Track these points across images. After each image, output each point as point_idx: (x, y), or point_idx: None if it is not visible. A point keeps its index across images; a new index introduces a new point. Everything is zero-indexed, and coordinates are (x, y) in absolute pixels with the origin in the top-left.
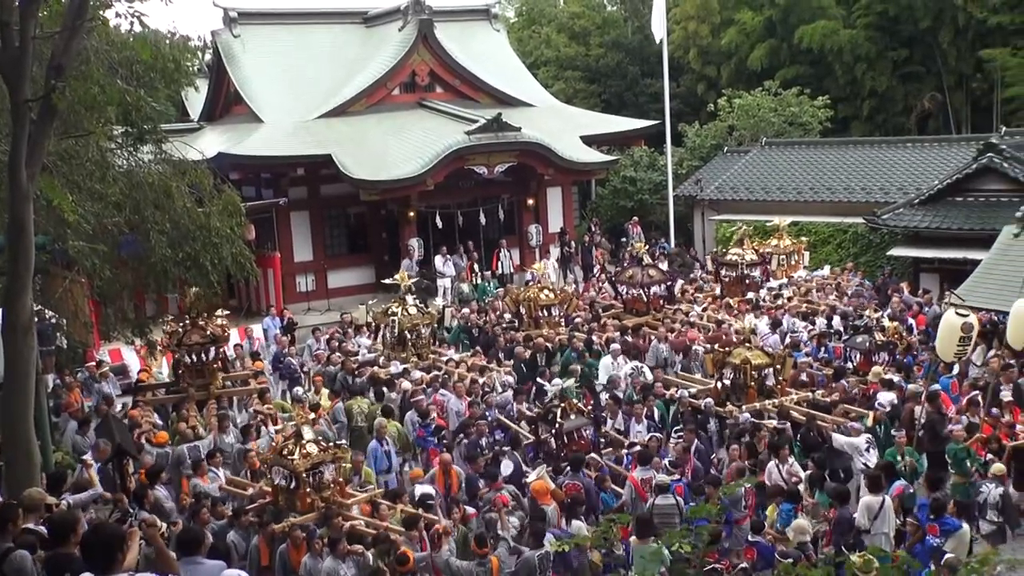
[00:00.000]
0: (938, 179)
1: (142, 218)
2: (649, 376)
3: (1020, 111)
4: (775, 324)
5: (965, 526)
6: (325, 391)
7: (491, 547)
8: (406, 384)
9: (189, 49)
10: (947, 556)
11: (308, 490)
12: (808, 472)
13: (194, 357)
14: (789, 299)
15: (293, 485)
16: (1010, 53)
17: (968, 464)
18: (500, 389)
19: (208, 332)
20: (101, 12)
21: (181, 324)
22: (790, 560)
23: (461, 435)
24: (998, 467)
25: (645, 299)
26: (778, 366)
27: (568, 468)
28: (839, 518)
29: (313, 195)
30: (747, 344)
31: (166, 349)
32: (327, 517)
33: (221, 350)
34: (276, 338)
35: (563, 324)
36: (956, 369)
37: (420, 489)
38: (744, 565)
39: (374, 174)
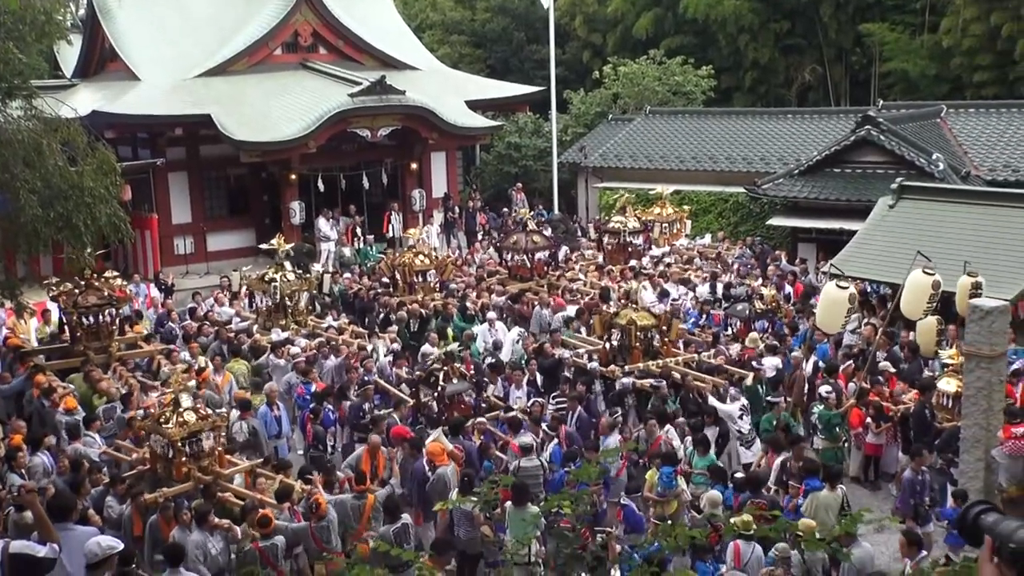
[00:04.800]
0: (817, 150)
1: (12, 176)
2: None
3: (897, 85)
4: (662, 293)
5: (827, 490)
6: (243, 365)
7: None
8: (295, 349)
9: (61, 1)
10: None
11: (184, 459)
12: (687, 437)
13: (91, 319)
14: (668, 266)
15: (170, 454)
16: (888, 28)
17: (838, 430)
18: (383, 356)
19: (106, 293)
20: None
21: (76, 285)
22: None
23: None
24: (825, 388)
25: (529, 265)
26: (664, 327)
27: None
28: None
29: (192, 156)
30: (632, 306)
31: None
32: (206, 491)
33: (119, 312)
34: (158, 302)
35: (439, 290)
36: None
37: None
38: (611, 530)
39: (255, 135)
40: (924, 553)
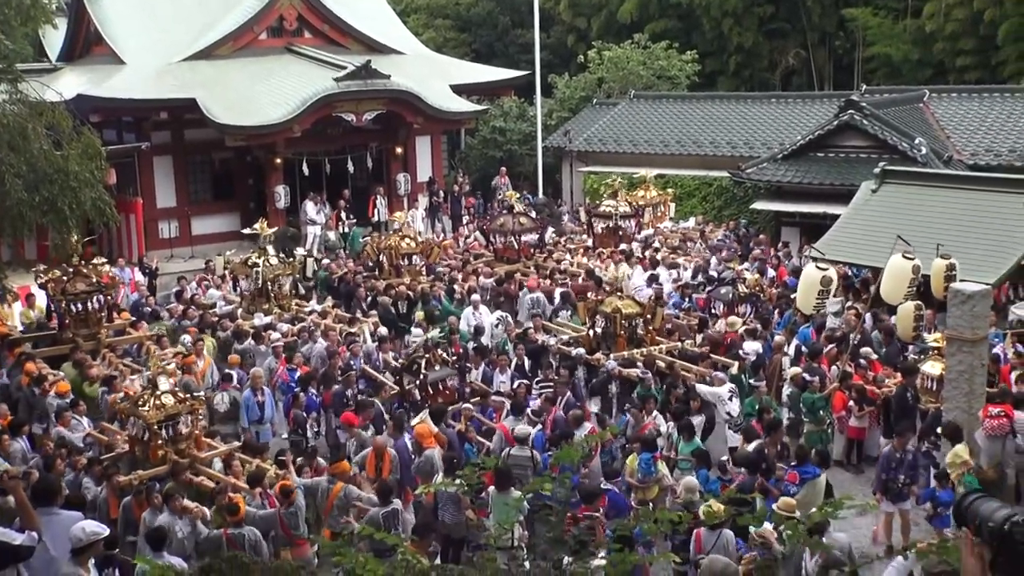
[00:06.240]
0: (801, 135)
1: None
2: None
3: (880, 70)
4: (651, 278)
5: (824, 475)
6: (210, 342)
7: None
8: (275, 335)
9: None
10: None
11: (160, 442)
12: (671, 423)
13: (79, 306)
14: (656, 250)
15: (147, 436)
16: (871, 12)
17: (822, 413)
18: (370, 340)
19: (94, 280)
20: None
21: (64, 272)
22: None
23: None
24: (794, 370)
25: (516, 247)
26: (648, 316)
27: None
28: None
29: (177, 140)
30: (618, 293)
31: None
32: (175, 472)
33: (107, 298)
34: (136, 286)
35: (425, 273)
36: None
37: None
38: (598, 514)
39: (240, 119)
40: None
